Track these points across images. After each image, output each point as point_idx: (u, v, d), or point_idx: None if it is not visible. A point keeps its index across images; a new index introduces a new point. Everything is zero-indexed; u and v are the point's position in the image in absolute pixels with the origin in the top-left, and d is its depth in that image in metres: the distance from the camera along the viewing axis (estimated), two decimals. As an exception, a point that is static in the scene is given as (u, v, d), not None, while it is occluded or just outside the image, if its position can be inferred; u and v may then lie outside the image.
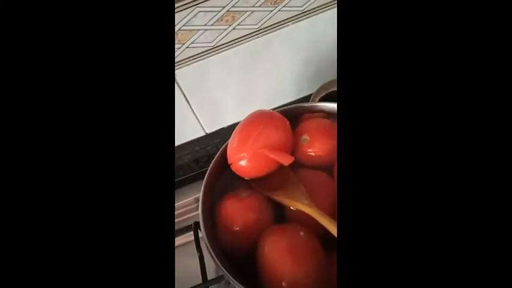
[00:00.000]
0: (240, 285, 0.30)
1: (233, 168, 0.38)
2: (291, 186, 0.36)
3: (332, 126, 0.40)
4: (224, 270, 0.31)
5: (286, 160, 0.36)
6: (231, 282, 0.30)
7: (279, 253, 0.30)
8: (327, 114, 0.43)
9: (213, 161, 0.40)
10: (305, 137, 0.40)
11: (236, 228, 0.34)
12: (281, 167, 0.38)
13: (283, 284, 0.29)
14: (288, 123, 0.39)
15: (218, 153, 0.41)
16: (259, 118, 0.38)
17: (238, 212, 0.35)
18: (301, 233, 0.31)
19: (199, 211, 0.36)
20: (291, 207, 0.35)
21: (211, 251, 0.32)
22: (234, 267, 0.32)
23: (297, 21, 0.51)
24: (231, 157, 0.38)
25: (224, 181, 0.40)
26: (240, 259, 0.34)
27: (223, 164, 0.39)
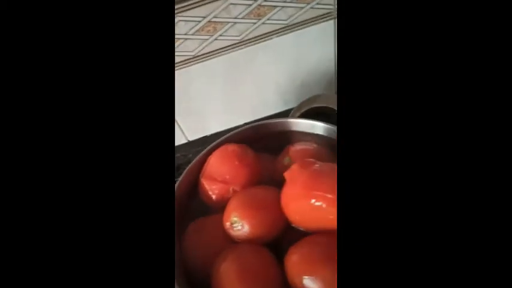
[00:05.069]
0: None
1: None
2: None
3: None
4: None
5: None
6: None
7: (231, 280, 0.29)
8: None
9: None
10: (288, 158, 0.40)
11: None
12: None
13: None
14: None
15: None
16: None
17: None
18: (251, 254, 0.31)
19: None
20: None
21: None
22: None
23: (282, 34, 0.50)
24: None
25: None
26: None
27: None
